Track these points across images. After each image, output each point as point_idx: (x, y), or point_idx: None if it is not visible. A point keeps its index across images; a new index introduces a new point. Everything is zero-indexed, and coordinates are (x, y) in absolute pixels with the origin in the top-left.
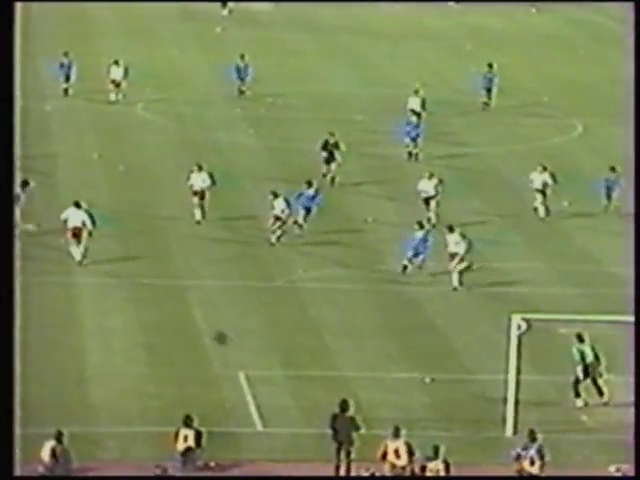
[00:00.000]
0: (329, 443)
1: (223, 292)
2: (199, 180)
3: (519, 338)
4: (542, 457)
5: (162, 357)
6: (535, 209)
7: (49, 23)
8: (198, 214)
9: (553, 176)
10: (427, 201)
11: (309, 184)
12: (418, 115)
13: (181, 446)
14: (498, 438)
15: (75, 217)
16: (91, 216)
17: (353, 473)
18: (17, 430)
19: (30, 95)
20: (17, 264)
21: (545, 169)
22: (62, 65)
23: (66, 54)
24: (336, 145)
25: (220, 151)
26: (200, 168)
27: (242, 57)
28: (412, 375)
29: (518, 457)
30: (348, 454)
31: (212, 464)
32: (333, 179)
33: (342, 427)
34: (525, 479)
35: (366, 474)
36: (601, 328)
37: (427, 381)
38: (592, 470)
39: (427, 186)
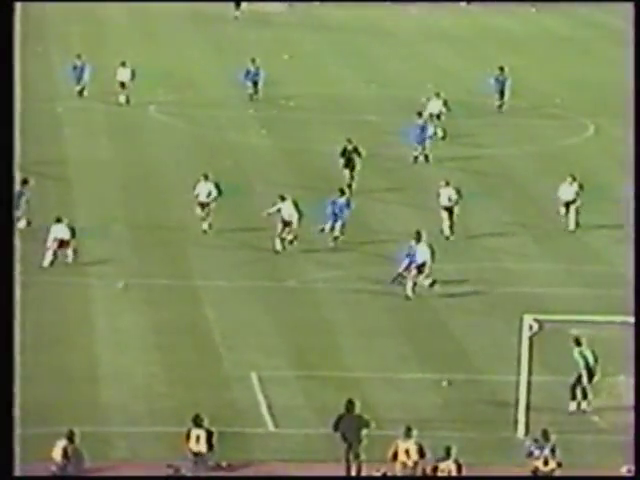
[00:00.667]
0: (340, 443)
1: (235, 293)
2: (205, 191)
3: (531, 339)
4: (556, 457)
5: (173, 357)
6: (559, 215)
7: (62, 24)
8: (205, 225)
9: (581, 186)
10: (447, 209)
11: (342, 192)
12: (421, 115)
13: (193, 446)
14: (510, 439)
15: (60, 231)
16: (73, 229)
17: (364, 473)
18: (30, 430)
19: (43, 97)
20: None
21: (575, 179)
22: (75, 67)
23: (79, 56)
24: (355, 151)
25: (233, 152)
26: (206, 178)
27: (253, 61)
28: (424, 376)
29: (530, 454)
30: (357, 455)
31: (224, 464)
32: (350, 185)
33: (349, 427)
34: (530, 479)
35: (377, 474)
36: (612, 329)
37: (444, 384)
38: (603, 471)
39: (443, 195)
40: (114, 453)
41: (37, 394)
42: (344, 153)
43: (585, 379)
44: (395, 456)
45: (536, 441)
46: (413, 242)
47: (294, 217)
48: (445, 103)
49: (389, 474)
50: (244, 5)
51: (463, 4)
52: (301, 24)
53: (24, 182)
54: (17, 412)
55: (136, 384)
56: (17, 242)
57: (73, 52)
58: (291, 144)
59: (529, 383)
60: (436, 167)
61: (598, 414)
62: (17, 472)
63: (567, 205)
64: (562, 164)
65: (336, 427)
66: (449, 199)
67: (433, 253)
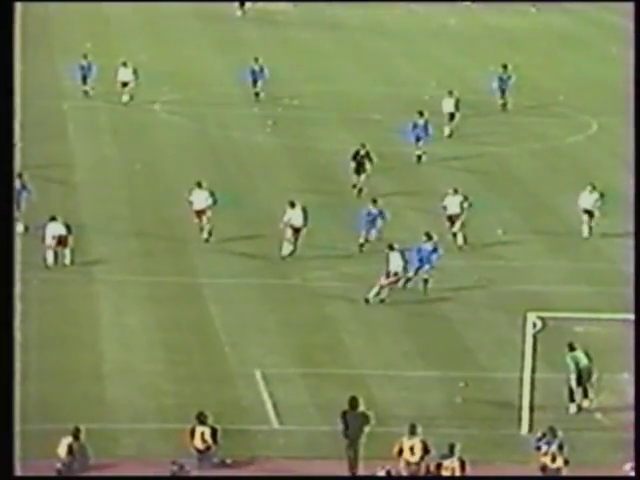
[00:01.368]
0: (342, 440)
1: (239, 290)
2: (201, 199)
3: (534, 336)
4: (563, 454)
5: (179, 355)
6: (581, 223)
7: (67, 23)
8: (205, 233)
9: (602, 195)
10: (451, 218)
11: (374, 202)
12: (422, 114)
13: (197, 443)
14: (513, 436)
15: (56, 229)
16: (69, 226)
17: (368, 470)
18: (35, 426)
19: (48, 95)
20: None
21: (595, 188)
22: (81, 67)
23: (85, 56)
24: (367, 156)
25: (237, 151)
26: (200, 185)
27: (256, 60)
28: (428, 373)
29: (538, 449)
30: (356, 451)
31: (228, 461)
32: (360, 190)
33: (352, 424)
34: (531, 478)
35: (382, 472)
36: (615, 326)
37: (462, 385)
38: (607, 468)
39: (452, 203)
40: (119, 450)
41: (42, 391)
42: (355, 157)
43: (574, 382)
44: (400, 453)
45: (544, 436)
46: (425, 244)
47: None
48: (457, 103)
49: (393, 471)
50: (249, 4)
51: (467, 3)
52: (306, 23)
53: (20, 177)
54: (22, 409)
55: (141, 381)
56: (21, 241)
57: (79, 51)
58: (295, 142)
59: (533, 380)
60: (439, 166)
61: (601, 412)
62: (18, 471)
63: (586, 213)
64: (566, 162)
65: (343, 422)
66: (456, 207)
67: (406, 262)
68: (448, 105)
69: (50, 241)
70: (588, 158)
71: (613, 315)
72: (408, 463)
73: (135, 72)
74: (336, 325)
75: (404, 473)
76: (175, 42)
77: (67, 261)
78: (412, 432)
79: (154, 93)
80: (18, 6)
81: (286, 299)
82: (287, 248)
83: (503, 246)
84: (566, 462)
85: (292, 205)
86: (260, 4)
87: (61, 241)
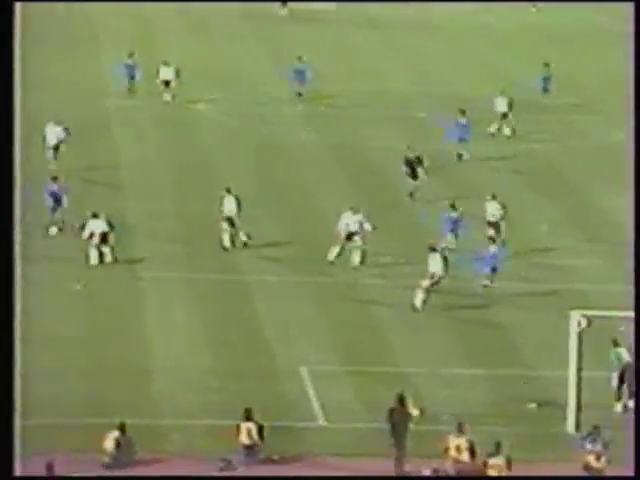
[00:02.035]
0: (389, 437)
1: (285, 288)
2: (228, 205)
3: (579, 335)
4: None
5: (225, 352)
6: None
7: (113, 23)
8: (226, 239)
9: None
10: (490, 224)
11: (453, 207)
12: (464, 113)
13: (244, 439)
14: (559, 434)
15: (98, 226)
16: (111, 223)
17: (414, 468)
18: (84, 420)
19: (94, 94)
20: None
21: None
22: (127, 66)
23: (131, 55)
24: (418, 160)
25: (281, 149)
26: (229, 191)
27: (300, 59)
28: (474, 371)
29: (583, 448)
30: (403, 448)
31: (275, 457)
32: (412, 194)
33: (399, 421)
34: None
35: (428, 470)
36: None
37: (532, 406)
38: None
39: (490, 209)
40: (166, 445)
41: (89, 387)
42: (407, 162)
43: (616, 379)
44: (447, 452)
45: (589, 435)
46: (491, 247)
47: (366, 227)
48: (510, 103)
49: (440, 470)
50: (292, 4)
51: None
52: (349, 22)
53: (55, 180)
54: (69, 404)
55: (188, 378)
56: (57, 239)
57: (125, 51)
58: (339, 140)
59: (579, 379)
60: (483, 165)
61: None
62: (17, 472)
63: None
64: (609, 160)
65: (390, 420)
66: (494, 214)
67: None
68: (501, 104)
69: (91, 238)
70: (630, 156)
71: None
72: (455, 461)
73: (177, 71)
74: (382, 323)
75: (450, 471)
76: (219, 41)
77: (109, 259)
78: (459, 430)
79: (199, 92)
80: (61, 6)
81: (332, 297)
82: (333, 255)
83: (548, 245)
84: (609, 461)
85: (355, 211)
86: (304, 3)
87: (103, 238)
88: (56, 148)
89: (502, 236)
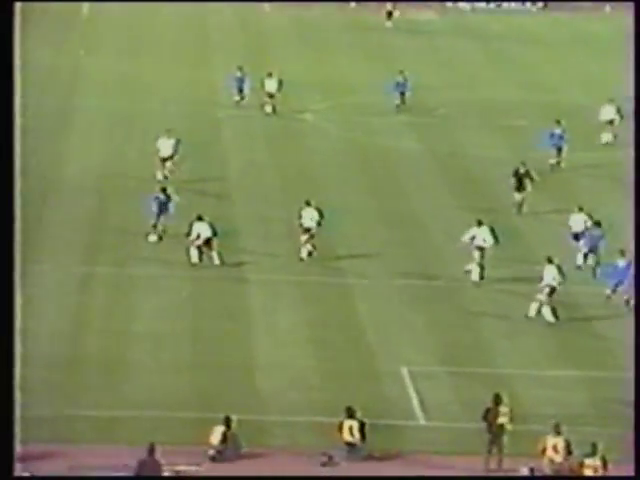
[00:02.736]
0: (485, 435)
1: (387, 290)
2: (308, 218)
3: None
4: None
5: (328, 351)
6: None
7: (225, 35)
8: (304, 252)
9: None
10: (576, 236)
11: (598, 224)
12: (560, 123)
13: (346, 436)
14: None
15: (202, 230)
16: (214, 228)
17: (511, 467)
18: (191, 414)
19: (204, 104)
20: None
21: None
22: (237, 78)
23: (240, 68)
24: (528, 174)
25: (385, 157)
26: (308, 204)
27: (401, 72)
28: (571, 373)
29: None
30: (500, 448)
31: (376, 454)
32: (520, 206)
33: (494, 420)
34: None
35: (525, 469)
36: None
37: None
38: None
39: (576, 221)
40: (270, 440)
41: (196, 382)
42: (516, 174)
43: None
44: (543, 451)
45: None
46: (619, 260)
47: (489, 242)
48: (619, 109)
49: (537, 469)
50: (397, 14)
51: (608, 8)
52: (452, 32)
53: (164, 191)
54: (177, 398)
55: (292, 376)
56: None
57: (236, 62)
58: (443, 148)
59: None
60: (581, 174)
61: None
62: (17, 472)
63: None
64: None
65: (485, 418)
66: (579, 226)
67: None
68: (608, 112)
69: (194, 239)
70: None
71: None
72: (551, 461)
73: (280, 83)
74: (481, 325)
75: (547, 471)
76: (327, 53)
77: (216, 262)
78: (556, 431)
79: (306, 101)
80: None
81: (431, 300)
82: (476, 275)
83: None
84: None
85: (479, 224)
86: (407, 14)
87: (207, 242)
88: (167, 159)
89: (585, 248)
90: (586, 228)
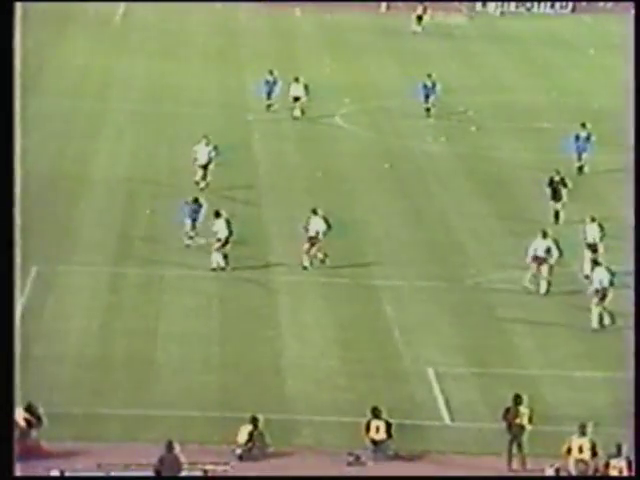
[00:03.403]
0: (506, 434)
1: (413, 292)
2: (314, 225)
3: None
4: None
5: (354, 352)
6: None
7: (256, 39)
8: (306, 260)
9: None
10: (590, 247)
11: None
12: (585, 126)
13: (373, 436)
14: None
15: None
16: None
17: (536, 467)
18: (217, 413)
19: (234, 108)
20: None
21: None
22: (267, 82)
23: (271, 72)
24: (562, 182)
25: (414, 159)
26: (315, 212)
27: (429, 76)
28: (596, 374)
29: None
30: (520, 447)
31: (402, 454)
32: (557, 216)
33: (514, 420)
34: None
35: (550, 469)
36: None
37: None
38: None
39: (590, 231)
40: (297, 439)
41: (224, 382)
42: (551, 183)
43: None
44: (569, 452)
45: None
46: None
47: (554, 254)
48: None
49: (561, 470)
50: (426, 18)
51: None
52: (481, 36)
53: (196, 201)
54: (203, 398)
55: (317, 376)
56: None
57: (266, 66)
58: (470, 150)
59: None
60: (605, 178)
61: None
62: (17, 472)
63: None
64: None
65: (504, 417)
66: (594, 237)
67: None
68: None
69: (216, 242)
70: None
71: None
72: (577, 462)
73: (306, 87)
74: (507, 326)
75: (572, 472)
76: (357, 57)
77: (222, 264)
78: (582, 432)
79: (335, 105)
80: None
81: (458, 301)
82: (544, 287)
83: None
84: None
85: (544, 235)
86: (437, 18)
87: (225, 242)
88: (206, 166)
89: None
90: (598, 239)
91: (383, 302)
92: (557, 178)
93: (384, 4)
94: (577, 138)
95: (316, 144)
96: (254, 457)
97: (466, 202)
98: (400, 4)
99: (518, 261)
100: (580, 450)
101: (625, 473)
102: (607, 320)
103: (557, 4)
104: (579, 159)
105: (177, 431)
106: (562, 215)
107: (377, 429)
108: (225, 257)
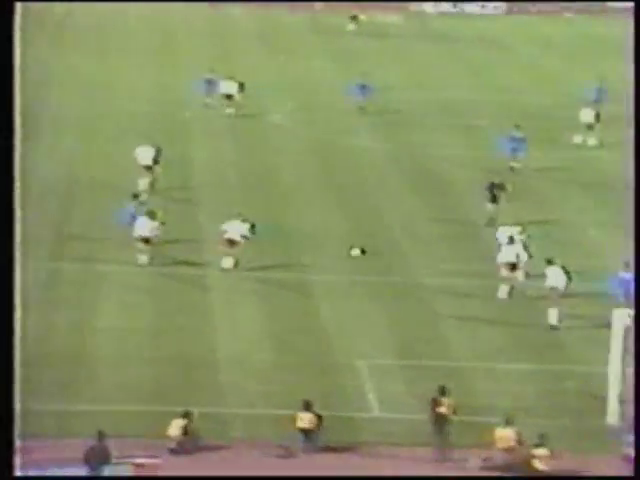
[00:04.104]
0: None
1: (347, 286)
2: (235, 230)
3: (624, 330)
4: None
5: (286, 345)
6: None
7: (195, 37)
8: (227, 262)
9: None
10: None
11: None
12: (518, 127)
13: (303, 427)
14: (603, 427)
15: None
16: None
17: (462, 457)
18: (150, 407)
19: (171, 106)
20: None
21: None
22: (207, 80)
23: (212, 70)
24: (501, 187)
25: (350, 156)
26: (237, 216)
27: (364, 74)
28: (522, 366)
29: (623, 441)
30: (446, 437)
31: (332, 445)
32: (493, 219)
33: (440, 411)
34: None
35: (476, 459)
36: None
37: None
38: None
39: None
40: (230, 432)
41: (157, 376)
42: (491, 188)
43: None
44: (495, 442)
45: (629, 428)
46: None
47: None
48: (597, 115)
49: (489, 458)
50: (362, 17)
51: (568, 14)
52: (416, 35)
53: (135, 197)
54: (138, 392)
55: (251, 370)
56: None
57: (204, 65)
58: (404, 148)
59: (623, 373)
60: (539, 175)
61: None
62: (17, 472)
63: None
64: None
65: (431, 408)
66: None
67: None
68: (587, 115)
69: (137, 241)
70: None
71: None
72: (502, 451)
73: (241, 85)
74: (438, 320)
75: (498, 461)
76: (291, 55)
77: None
78: (507, 423)
79: (272, 103)
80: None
81: (391, 296)
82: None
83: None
84: None
85: (511, 240)
86: (372, 17)
87: (147, 241)
88: (148, 168)
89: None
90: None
91: (316, 296)
92: (497, 182)
93: (319, 3)
94: (511, 139)
95: (253, 142)
96: (187, 451)
97: (401, 199)
98: (335, 3)
99: (451, 257)
100: (506, 440)
101: (550, 462)
102: (556, 319)
103: (490, 4)
104: (513, 159)
105: (111, 425)
106: (497, 219)
107: (308, 421)
108: (150, 255)
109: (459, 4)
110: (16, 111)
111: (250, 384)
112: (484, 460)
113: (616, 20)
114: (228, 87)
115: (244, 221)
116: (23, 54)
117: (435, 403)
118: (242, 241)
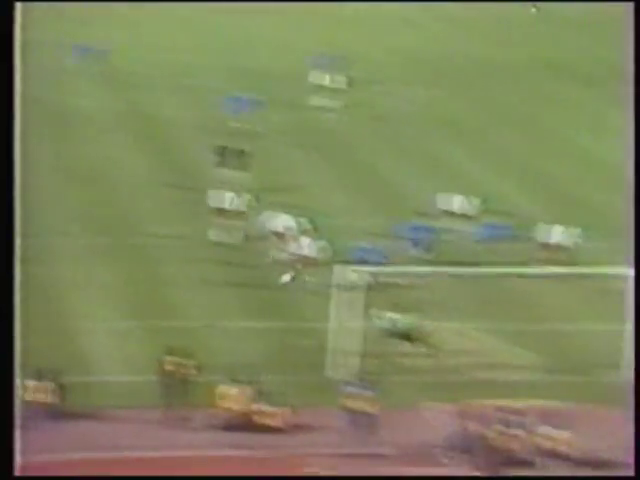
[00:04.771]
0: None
1: (79, 249)
2: None
3: (344, 290)
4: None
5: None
6: None
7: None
8: None
9: None
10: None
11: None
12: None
13: (39, 399)
14: (324, 380)
15: None
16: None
17: (187, 416)
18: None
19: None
20: None
21: None
22: None
23: None
24: (236, 152)
25: (72, 115)
26: None
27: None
28: (247, 324)
29: (347, 392)
30: (175, 397)
31: (73, 412)
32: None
33: (169, 372)
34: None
35: (204, 418)
36: None
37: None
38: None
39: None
40: None
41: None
42: (221, 151)
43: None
44: (218, 400)
45: (354, 381)
46: None
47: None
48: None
49: (211, 417)
50: None
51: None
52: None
53: None
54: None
55: None
56: None
57: None
58: (129, 107)
59: (342, 329)
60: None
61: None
62: (17, 472)
63: None
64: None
65: (160, 368)
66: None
67: None
68: (316, 77)
69: None
70: None
71: None
72: (228, 410)
73: None
74: (170, 280)
75: (222, 420)
76: None
77: None
78: (233, 380)
79: None
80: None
81: (123, 256)
82: None
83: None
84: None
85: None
86: None
87: None
88: None
89: None
90: None
91: (49, 262)
92: (228, 146)
93: None
94: (237, 100)
95: None
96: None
97: (127, 157)
98: None
99: (183, 214)
100: (232, 398)
101: (273, 418)
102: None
103: None
104: (237, 120)
105: None
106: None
107: (44, 391)
108: None
109: None
110: (16, 111)
111: None
112: (209, 419)
113: None
114: None
115: None
116: None
117: (161, 363)
118: None
